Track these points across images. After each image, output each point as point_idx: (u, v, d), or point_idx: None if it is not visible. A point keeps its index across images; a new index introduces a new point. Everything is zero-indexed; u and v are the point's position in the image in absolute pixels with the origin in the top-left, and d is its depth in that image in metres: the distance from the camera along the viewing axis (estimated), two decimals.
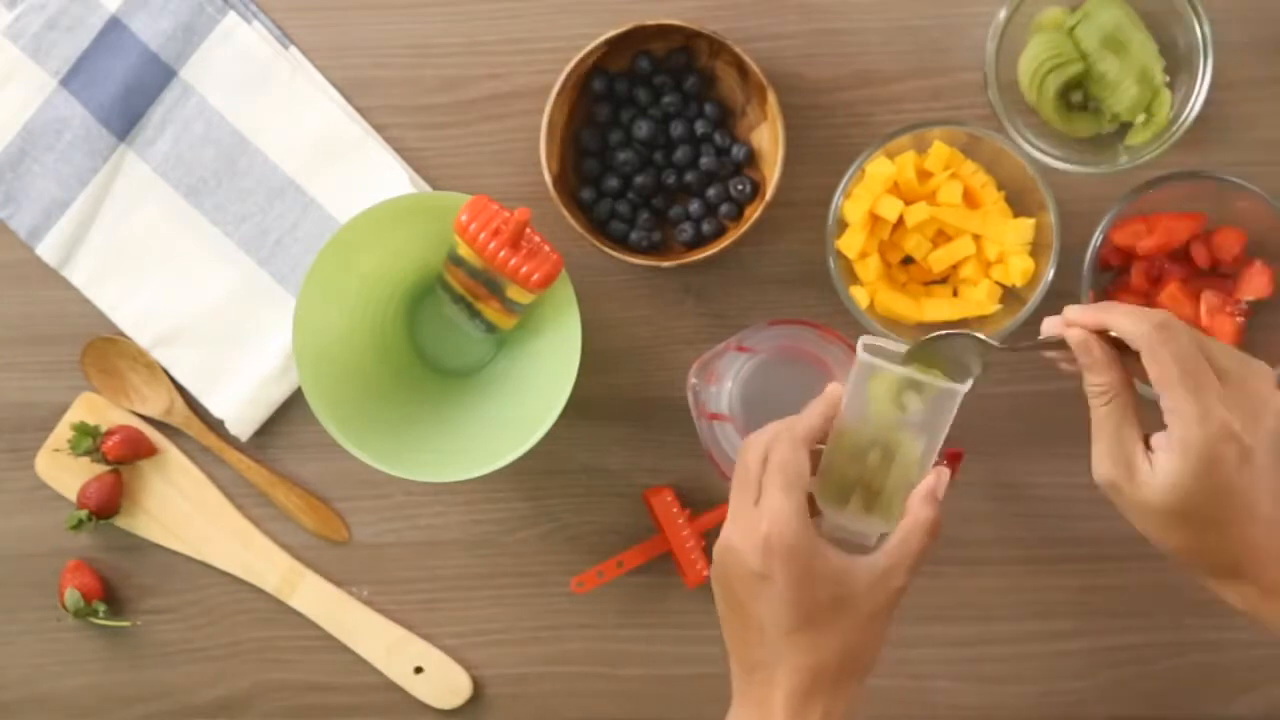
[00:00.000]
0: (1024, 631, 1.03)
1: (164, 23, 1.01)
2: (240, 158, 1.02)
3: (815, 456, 0.82)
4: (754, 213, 0.96)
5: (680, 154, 0.99)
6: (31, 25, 1.01)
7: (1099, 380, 0.77)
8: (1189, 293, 0.97)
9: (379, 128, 1.02)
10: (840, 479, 0.82)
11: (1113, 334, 0.77)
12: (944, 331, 0.81)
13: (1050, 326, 0.80)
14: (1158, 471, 0.75)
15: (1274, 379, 0.77)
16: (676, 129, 0.98)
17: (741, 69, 0.96)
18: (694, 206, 0.99)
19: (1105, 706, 1.03)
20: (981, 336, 0.81)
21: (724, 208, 0.99)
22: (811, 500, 0.81)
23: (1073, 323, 0.78)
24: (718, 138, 0.98)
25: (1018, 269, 0.95)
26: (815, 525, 0.80)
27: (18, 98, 1.02)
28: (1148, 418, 0.77)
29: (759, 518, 0.78)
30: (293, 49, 1.02)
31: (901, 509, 0.81)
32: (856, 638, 0.78)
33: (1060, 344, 0.79)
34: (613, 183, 0.99)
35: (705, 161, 0.98)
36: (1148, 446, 0.76)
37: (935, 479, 0.81)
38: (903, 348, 0.82)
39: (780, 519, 0.77)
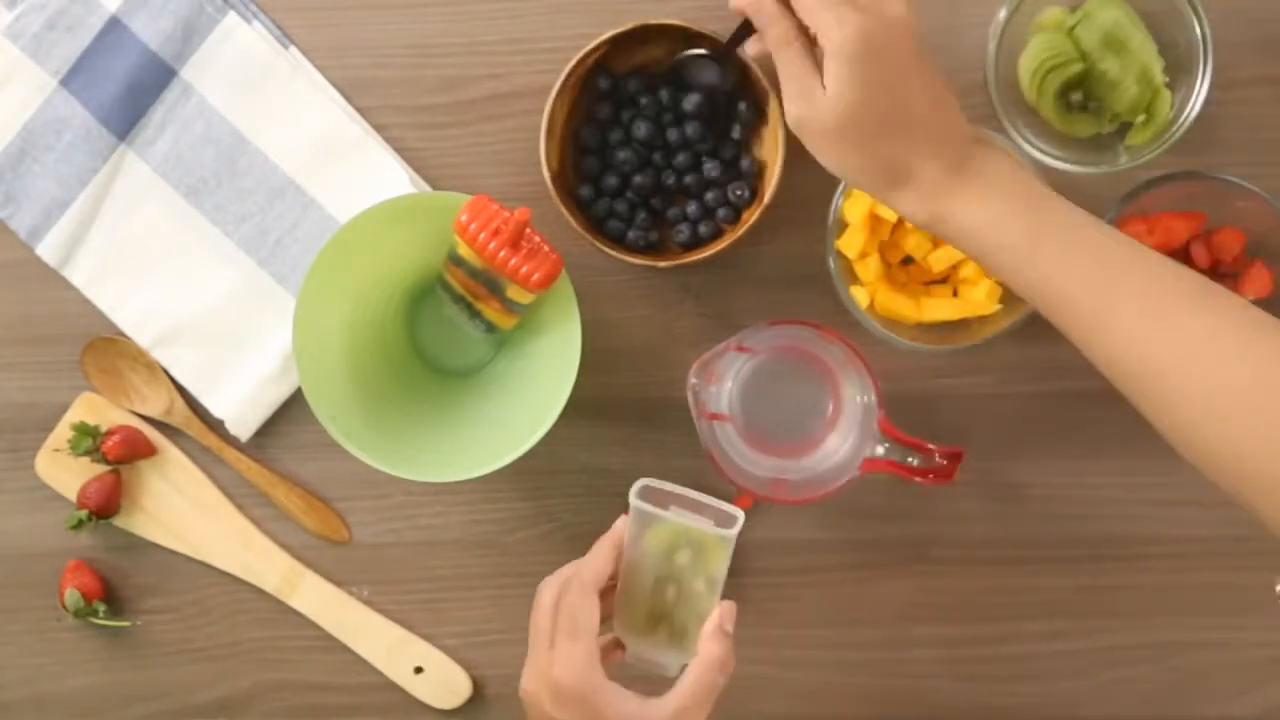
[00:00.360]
0: (1024, 631, 1.03)
1: (164, 23, 1.01)
2: (240, 158, 1.02)
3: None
4: (751, 216, 0.96)
5: (681, 159, 0.99)
6: (31, 25, 1.01)
7: (775, 31, 0.80)
8: None
9: (379, 128, 1.02)
10: (641, 610, 0.84)
11: None
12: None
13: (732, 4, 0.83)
14: (828, 88, 0.78)
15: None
16: (674, 135, 0.98)
17: (743, 70, 0.96)
18: (691, 209, 0.99)
19: (1104, 706, 1.03)
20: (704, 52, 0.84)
21: (721, 211, 0.99)
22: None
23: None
24: (720, 149, 0.98)
25: None
26: (620, 657, 0.83)
27: (18, 98, 1.02)
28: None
29: (550, 663, 0.80)
30: (293, 49, 1.02)
31: (690, 640, 0.83)
32: None
33: (749, 30, 0.84)
34: (611, 181, 0.99)
35: (708, 167, 0.98)
36: (822, 77, 0.79)
37: (722, 613, 0.83)
38: (682, 491, 0.83)
39: (567, 665, 0.79)
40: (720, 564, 0.83)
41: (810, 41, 0.79)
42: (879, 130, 0.78)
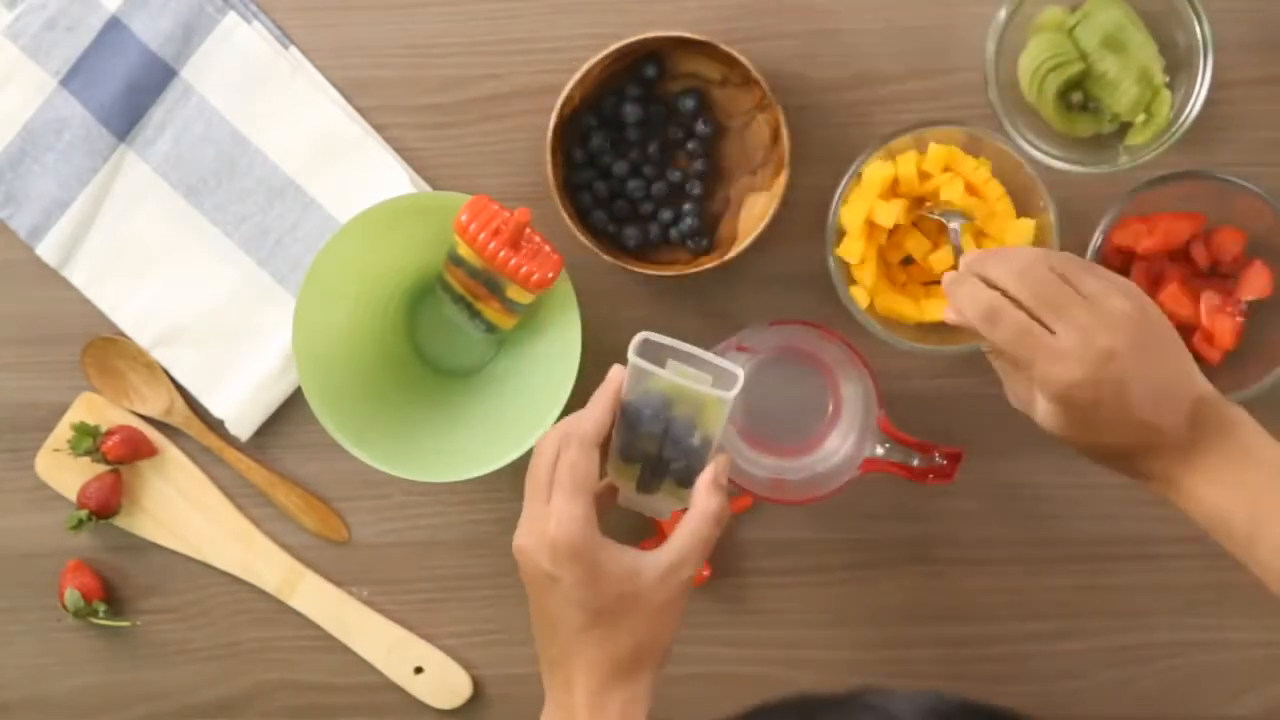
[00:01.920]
0: (1024, 631, 1.03)
1: (164, 23, 1.01)
2: (240, 158, 1.02)
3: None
4: (748, 234, 0.96)
5: (676, 175, 0.99)
6: (31, 25, 1.01)
7: (985, 342, 0.83)
8: (1189, 292, 0.97)
9: (379, 128, 1.02)
10: (635, 461, 0.83)
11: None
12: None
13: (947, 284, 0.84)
14: (1039, 413, 0.83)
15: (1134, 290, 0.82)
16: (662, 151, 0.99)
17: (747, 78, 0.96)
18: (688, 221, 0.99)
19: (1105, 706, 1.03)
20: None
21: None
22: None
23: (951, 293, 0.84)
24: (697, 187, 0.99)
25: None
26: (613, 500, 0.83)
27: (18, 98, 1.02)
28: None
29: (547, 520, 0.80)
30: (293, 49, 1.02)
31: (685, 488, 0.83)
32: (648, 630, 0.80)
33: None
34: (610, 184, 0.99)
35: (691, 186, 0.99)
36: None
37: (716, 467, 0.82)
38: (683, 346, 0.82)
39: (565, 521, 0.79)
40: (717, 422, 0.82)
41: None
42: (1097, 434, 0.82)
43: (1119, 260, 0.98)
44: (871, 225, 0.96)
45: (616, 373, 0.83)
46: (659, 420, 0.82)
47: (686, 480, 0.83)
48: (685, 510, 0.82)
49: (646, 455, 0.83)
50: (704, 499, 0.82)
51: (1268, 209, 0.94)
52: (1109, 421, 0.80)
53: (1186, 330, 0.96)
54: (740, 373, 0.80)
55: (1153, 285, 0.97)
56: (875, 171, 0.95)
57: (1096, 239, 0.95)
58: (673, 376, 0.81)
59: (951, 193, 0.96)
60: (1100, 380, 0.79)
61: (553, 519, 0.79)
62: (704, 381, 0.81)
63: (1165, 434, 0.80)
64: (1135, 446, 0.81)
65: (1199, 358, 0.96)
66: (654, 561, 0.80)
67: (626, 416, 0.82)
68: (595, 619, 0.79)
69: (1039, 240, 0.95)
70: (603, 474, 0.83)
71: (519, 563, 0.82)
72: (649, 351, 0.81)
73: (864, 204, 0.96)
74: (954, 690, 1.04)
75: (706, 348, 0.95)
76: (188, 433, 1.04)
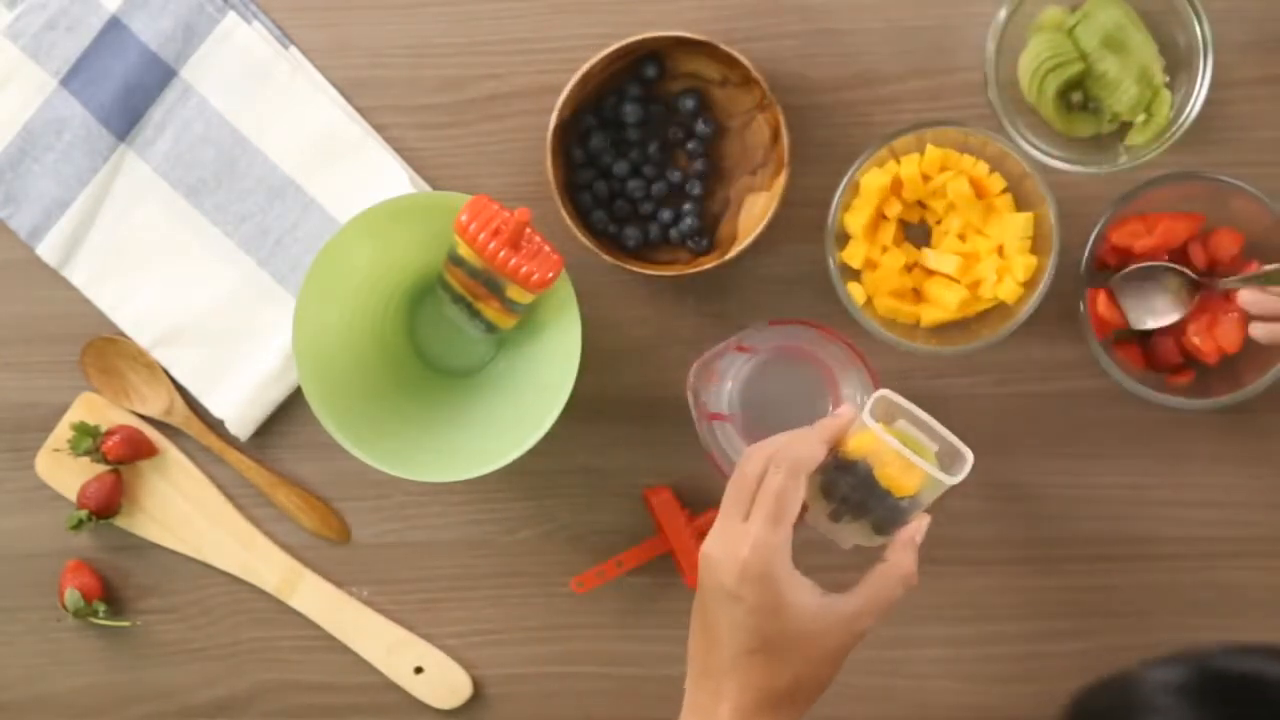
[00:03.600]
0: (1024, 631, 1.03)
1: (164, 23, 1.01)
2: (240, 158, 1.02)
3: None
4: (749, 233, 0.96)
5: (676, 175, 0.99)
6: (31, 25, 1.01)
7: None
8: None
9: (379, 128, 1.02)
10: (835, 499, 0.83)
11: None
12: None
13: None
14: None
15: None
16: (674, 134, 0.99)
17: (747, 78, 0.96)
18: (687, 221, 0.99)
19: None
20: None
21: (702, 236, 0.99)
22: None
23: None
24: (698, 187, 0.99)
25: (1020, 266, 0.95)
26: (802, 520, 0.82)
27: (18, 98, 1.02)
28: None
29: (743, 541, 0.79)
30: (293, 49, 1.02)
31: (881, 533, 0.83)
32: (811, 671, 0.80)
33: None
34: (610, 184, 0.99)
35: (691, 186, 0.99)
36: None
37: (918, 526, 0.83)
38: (918, 412, 0.82)
39: (762, 549, 0.79)
40: (930, 494, 0.82)
41: None
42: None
43: (1117, 260, 0.98)
44: (875, 229, 0.97)
45: (848, 413, 0.83)
46: (866, 479, 0.82)
47: (881, 529, 0.83)
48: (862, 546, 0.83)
49: (847, 498, 0.83)
50: (900, 556, 0.82)
51: (1266, 211, 0.94)
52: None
53: (1180, 329, 0.96)
54: (970, 457, 0.81)
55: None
56: (872, 179, 0.95)
57: (1093, 238, 0.95)
58: (900, 448, 0.80)
59: (956, 191, 0.96)
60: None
61: (749, 542, 0.79)
62: (929, 450, 0.81)
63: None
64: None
65: (1193, 358, 0.97)
66: (837, 607, 0.80)
67: (840, 459, 0.82)
68: (764, 646, 0.79)
69: (1039, 239, 0.96)
70: None
71: (701, 568, 0.81)
72: (879, 410, 0.82)
73: (867, 209, 0.96)
74: (953, 690, 1.04)
75: (707, 348, 0.95)
76: (188, 433, 1.04)
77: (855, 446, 0.82)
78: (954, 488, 0.94)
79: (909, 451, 0.80)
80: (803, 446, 0.82)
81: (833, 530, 0.84)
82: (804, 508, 0.83)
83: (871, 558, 0.84)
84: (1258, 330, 0.79)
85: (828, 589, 0.81)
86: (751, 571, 0.78)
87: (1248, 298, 0.82)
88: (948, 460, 0.83)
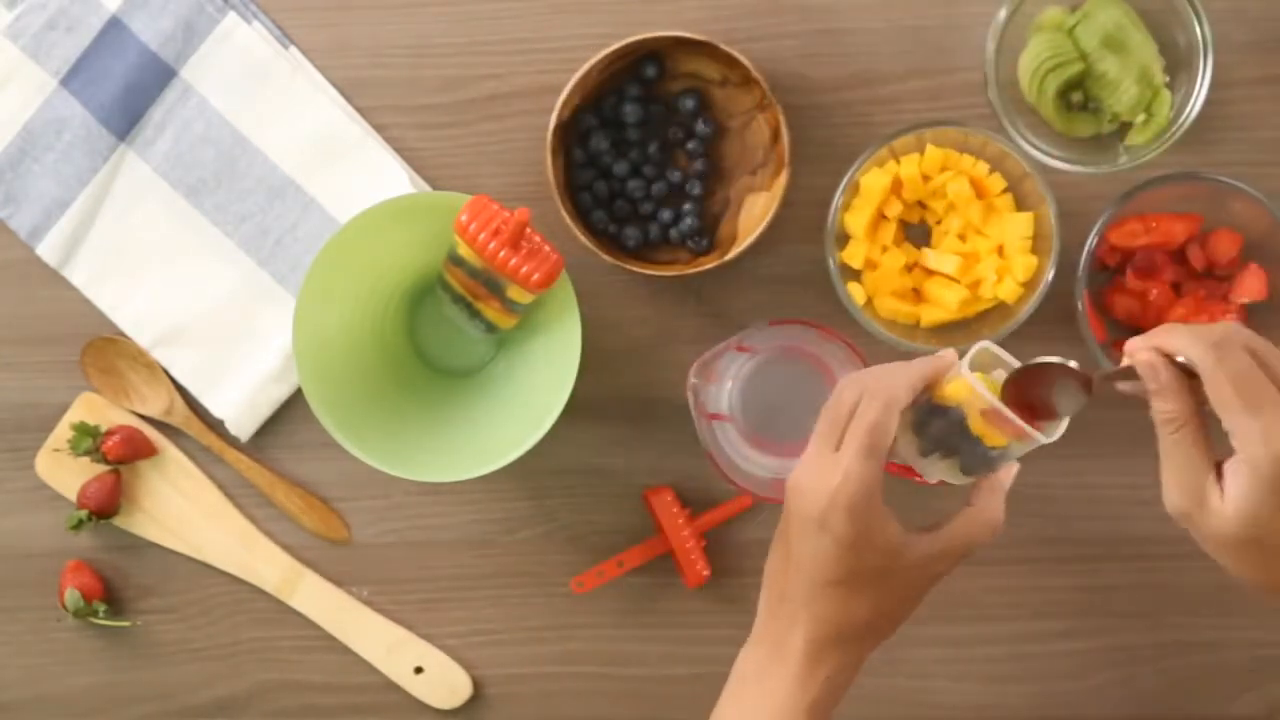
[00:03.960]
0: (1024, 631, 1.03)
1: (164, 23, 1.01)
2: (240, 158, 1.02)
3: None
4: (749, 235, 0.96)
5: (676, 175, 0.99)
6: (31, 25, 1.01)
7: (1166, 407, 0.75)
8: (1186, 294, 0.97)
9: (379, 128, 1.02)
10: (927, 438, 0.82)
11: (1178, 359, 0.75)
12: (1042, 360, 0.79)
13: (1128, 351, 0.78)
14: (1228, 499, 0.73)
15: None
16: (674, 135, 0.99)
17: (747, 78, 0.96)
18: (687, 221, 0.99)
19: (1104, 706, 1.03)
20: (1074, 366, 0.78)
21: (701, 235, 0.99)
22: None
23: (1136, 350, 0.76)
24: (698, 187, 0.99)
25: (1020, 266, 0.95)
26: (892, 447, 0.80)
27: (18, 98, 1.02)
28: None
29: (835, 470, 0.78)
30: (293, 49, 1.02)
31: (969, 475, 0.82)
32: (888, 606, 0.80)
33: (1130, 373, 0.77)
34: (610, 184, 0.99)
35: (691, 186, 0.99)
36: (1219, 475, 0.74)
37: (1007, 474, 0.82)
38: (1016, 364, 0.80)
39: (853, 480, 0.78)
40: (1022, 448, 0.80)
41: (1203, 426, 0.75)
42: (1264, 562, 0.74)
43: (1116, 260, 0.98)
44: (875, 229, 0.97)
45: (949, 355, 0.82)
46: (960, 424, 0.81)
47: (970, 471, 0.82)
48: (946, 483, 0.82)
49: (938, 439, 0.81)
50: (988, 501, 0.81)
51: (1265, 213, 0.94)
52: (1271, 551, 0.73)
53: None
54: (1066, 418, 0.78)
55: (1145, 280, 0.97)
56: (872, 180, 0.96)
57: (1092, 240, 0.95)
58: (996, 404, 0.78)
59: (956, 191, 0.96)
60: None
61: (840, 473, 0.78)
62: (1017, 423, 0.79)
63: None
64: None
65: None
66: (922, 546, 0.80)
67: (934, 401, 0.81)
68: (847, 578, 0.79)
69: (1039, 239, 0.96)
70: None
71: (789, 496, 0.80)
72: (981, 357, 0.80)
73: (867, 209, 0.96)
74: (953, 690, 1.04)
75: (706, 348, 0.95)
76: (188, 433, 1.04)
77: (951, 392, 0.80)
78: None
79: (1004, 407, 0.78)
80: (898, 379, 0.80)
81: (921, 464, 0.83)
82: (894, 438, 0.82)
83: (958, 495, 0.83)
84: (1142, 358, 0.77)
85: (912, 527, 0.80)
86: (841, 502, 0.78)
87: (1132, 344, 0.77)
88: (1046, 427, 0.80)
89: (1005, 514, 0.82)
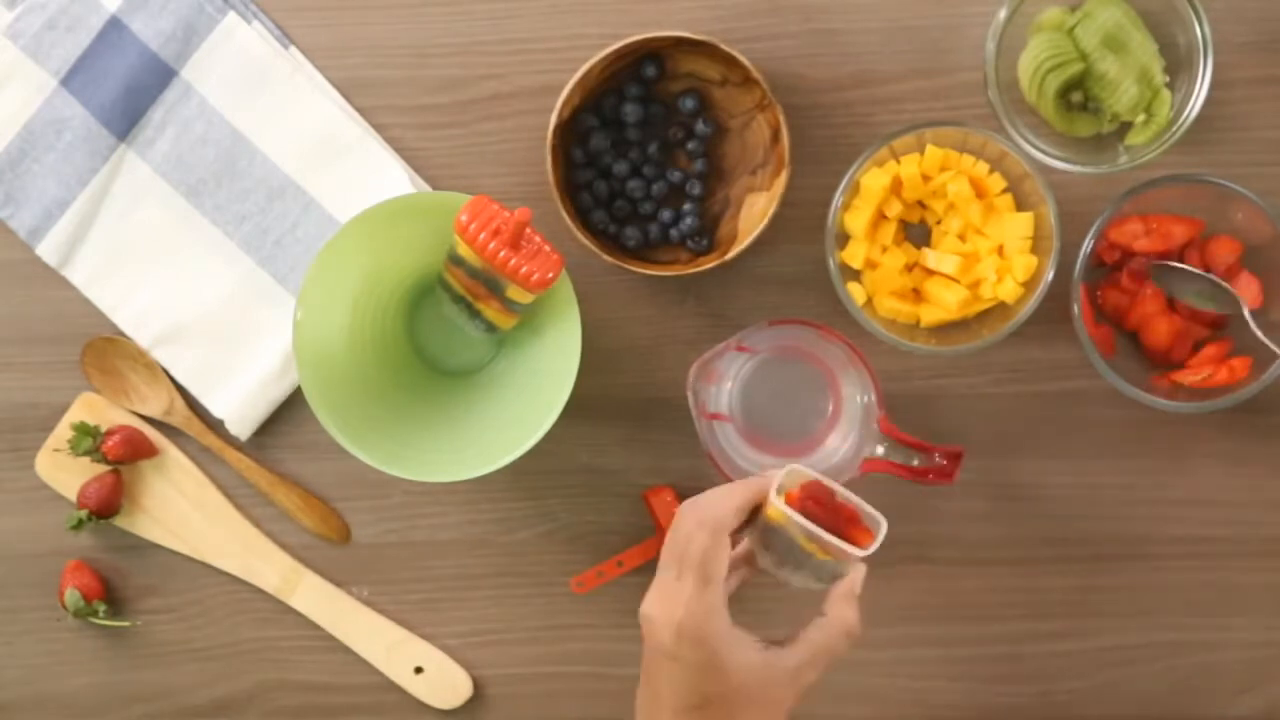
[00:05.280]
0: (1023, 631, 1.03)
1: (164, 23, 1.01)
2: (240, 158, 1.02)
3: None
4: (748, 235, 0.96)
5: (676, 175, 0.99)
6: (31, 25, 1.01)
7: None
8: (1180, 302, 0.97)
9: (379, 128, 1.02)
10: (775, 551, 0.84)
11: None
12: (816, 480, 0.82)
13: None
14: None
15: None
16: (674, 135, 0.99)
17: (747, 78, 0.96)
18: (687, 221, 0.99)
19: (1104, 706, 1.03)
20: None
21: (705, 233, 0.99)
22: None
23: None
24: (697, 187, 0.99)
25: (1020, 266, 0.95)
26: (751, 568, 0.83)
27: (18, 98, 1.02)
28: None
29: (677, 600, 0.79)
30: (293, 49, 1.02)
31: (825, 582, 0.83)
32: None
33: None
34: (610, 184, 0.99)
35: (691, 186, 0.99)
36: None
37: (854, 578, 0.83)
38: (826, 482, 0.82)
39: (696, 610, 0.79)
40: (851, 565, 0.82)
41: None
42: None
43: (1115, 259, 0.98)
44: (875, 229, 0.97)
45: (764, 483, 0.82)
46: (792, 542, 0.82)
47: (822, 578, 0.83)
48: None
49: (782, 556, 0.83)
50: (839, 609, 0.82)
51: (1267, 221, 0.93)
52: None
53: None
54: (884, 525, 0.81)
55: (1139, 284, 0.97)
56: (872, 180, 0.96)
57: (1089, 241, 0.95)
58: (805, 524, 0.80)
59: (956, 191, 0.96)
60: None
61: (683, 604, 0.79)
62: (830, 541, 0.81)
63: None
64: None
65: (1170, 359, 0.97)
66: (780, 661, 0.80)
67: (764, 524, 0.82)
68: (705, 703, 0.79)
69: (1039, 239, 0.96)
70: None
71: (643, 629, 0.81)
72: (793, 479, 0.82)
73: (867, 209, 0.96)
74: (953, 690, 1.05)
75: (706, 348, 0.95)
76: (188, 433, 1.04)
77: (773, 514, 0.82)
78: (953, 487, 0.95)
79: (813, 527, 0.80)
80: (725, 506, 0.82)
81: (781, 575, 0.85)
82: (751, 553, 0.85)
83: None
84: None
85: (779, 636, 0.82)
86: (687, 632, 0.79)
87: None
88: (871, 523, 0.82)
89: (859, 620, 0.82)
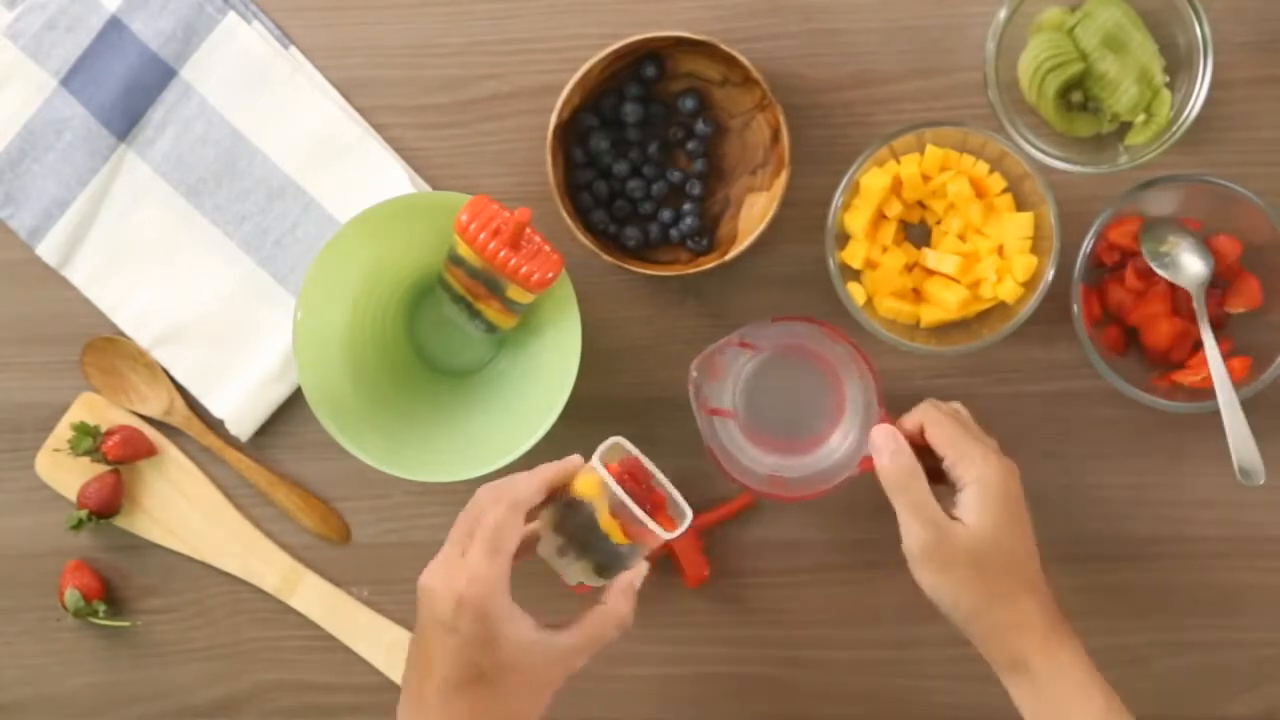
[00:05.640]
0: None
1: (164, 23, 1.01)
2: (240, 158, 1.02)
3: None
4: (748, 236, 0.96)
5: (676, 175, 0.99)
6: (31, 25, 1.01)
7: (902, 461, 0.86)
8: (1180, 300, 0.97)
9: (379, 128, 1.02)
10: (562, 535, 0.85)
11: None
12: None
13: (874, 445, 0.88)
14: (967, 517, 0.85)
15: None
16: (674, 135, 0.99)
17: (747, 78, 0.96)
18: (687, 221, 0.99)
19: None
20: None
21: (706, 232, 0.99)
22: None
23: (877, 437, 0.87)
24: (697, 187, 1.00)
25: (1020, 266, 0.95)
26: (533, 548, 0.85)
27: (18, 98, 1.02)
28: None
29: (461, 573, 0.80)
30: (293, 49, 1.02)
31: (603, 576, 0.85)
32: (522, 703, 0.81)
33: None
34: (610, 184, 0.99)
35: (691, 186, 0.99)
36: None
37: (636, 574, 0.85)
38: (649, 465, 0.84)
39: (479, 582, 0.80)
40: (648, 545, 0.84)
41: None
42: (1002, 566, 0.86)
43: (1114, 259, 0.98)
44: (875, 229, 0.97)
45: (574, 463, 0.84)
46: (592, 519, 0.83)
47: (603, 572, 0.85)
48: (587, 586, 0.85)
49: (573, 536, 0.84)
50: (617, 601, 0.84)
51: (1266, 222, 0.93)
52: (1013, 548, 0.86)
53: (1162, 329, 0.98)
54: (689, 515, 0.83)
55: (1145, 282, 0.97)
56: (872, 180, 0.96)
57: (1088, 241, 0.95)
58: (620, 494, 0.81)
59: (956, 191, 0.96)
60: (1017, 488, 0.87)
61: (466, 575, 0.80)
62: (644, 518, 0.82)
63: (1034, 608, 0.86)
64: (1018, 592, 0.86)
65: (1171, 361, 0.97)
66: (552, 643, 0.82)
67: (566, 500, 0.84)
68: (477, 678, 0.80)
69: (1039, 239, 0.96)
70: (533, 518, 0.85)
71: (419, 598, 0.82)
72: (616, 457, 0.83)
73: (867, 209, 0.96)
74: (953, 690, 1.04)
75: (706, 348, 0.95)
76: (188, 433, 1.04)
77: (582, 487, 0.83)
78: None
79: (627, 499, 0.81)
80: (521, 483, 0.83)
81: (559, 564, 0.86)
82: (535, 538, 0.85)
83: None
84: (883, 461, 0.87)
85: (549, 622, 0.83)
86: (468, 604, 0.79)
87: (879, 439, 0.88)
88: (676, 513, 0.84)
89: (634, 614, 0.84)
